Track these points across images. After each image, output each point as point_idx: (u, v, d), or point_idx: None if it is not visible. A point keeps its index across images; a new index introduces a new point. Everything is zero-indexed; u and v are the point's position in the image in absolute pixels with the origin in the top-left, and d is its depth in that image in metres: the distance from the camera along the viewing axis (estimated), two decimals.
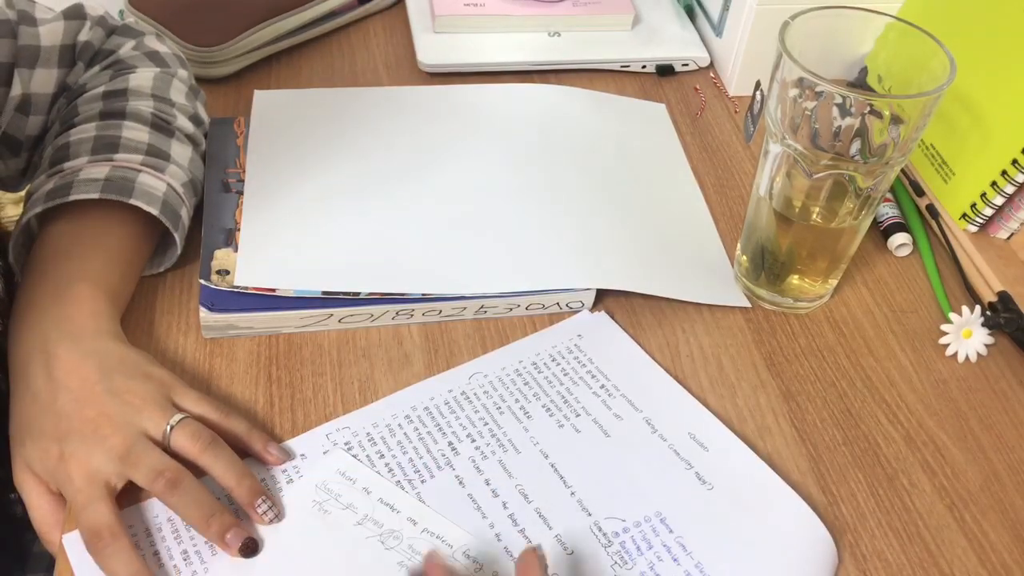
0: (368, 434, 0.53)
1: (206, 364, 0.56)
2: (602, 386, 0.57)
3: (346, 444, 0.53)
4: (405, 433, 0.53)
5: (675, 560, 0.48)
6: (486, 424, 0.54)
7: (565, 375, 0.57)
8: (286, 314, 0.57)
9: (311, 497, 0.50)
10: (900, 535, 0.51)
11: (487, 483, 0.51)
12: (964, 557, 0.51)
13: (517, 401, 0.56)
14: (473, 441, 0.53)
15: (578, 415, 0.55)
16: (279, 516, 0.48)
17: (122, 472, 0.47)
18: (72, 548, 0.47)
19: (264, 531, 0.48)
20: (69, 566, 0.47)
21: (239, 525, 0.47)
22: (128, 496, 0.49)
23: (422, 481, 0.51)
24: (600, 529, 0.49)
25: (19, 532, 0.59)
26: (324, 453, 0.52)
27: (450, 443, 0.53)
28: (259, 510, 0.48)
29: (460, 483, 0.51)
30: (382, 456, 0.52)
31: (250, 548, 0.47)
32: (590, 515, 0.50)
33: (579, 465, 0.52)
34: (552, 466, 0.52)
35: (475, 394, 0.56)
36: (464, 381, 0.56)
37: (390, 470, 0.52)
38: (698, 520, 0.50)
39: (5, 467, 0.50)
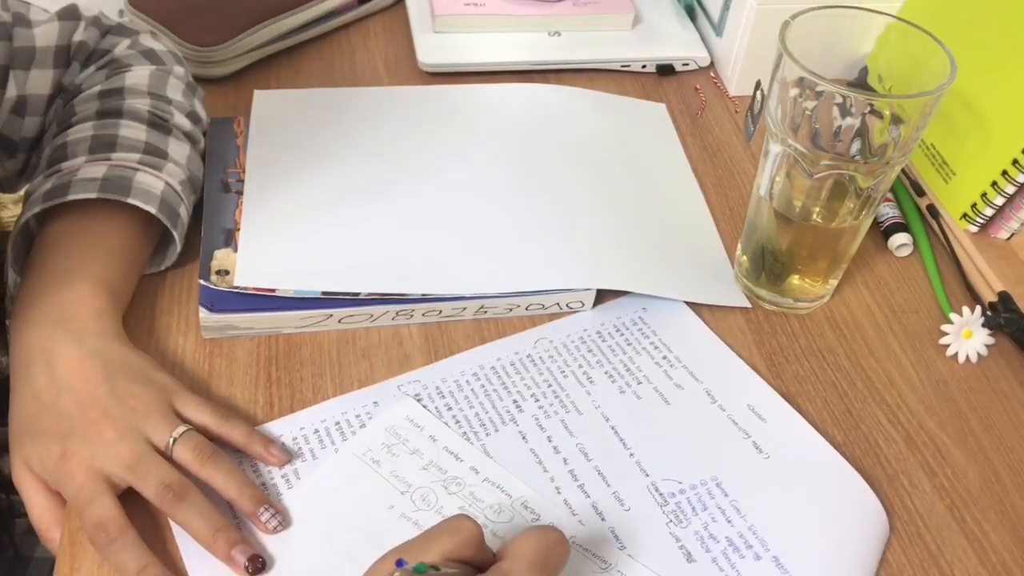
0: (437, 388, 0.56)
1: (206, 364, 0.56)
2: (664, 357, 0.58)
3: (416, 396, 0.55)
4: (472, 389, 0.56)
5: (729, 521, 0.50)
6: (550, 386, 0.56)
7: (628, 345, 0.59)
8: (286, 314, 0.57)
9: (380, 440, 0.52)
10: (900, 535, 0.51)
11: (549, 440, 0.53)
12: (964, 558, 0.51)
13: (581, 367, 0.58)
14: (537, 401, 0.55)
15: (639, 383, 0.57)
16: (284, 524, 0.48)
17: (127, 479, 0.47)
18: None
19: (331, 468, 0.51)
20: (69, 566, 0.47)
21: (246, 541, 0.47)
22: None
23: (487, 434, 0.53)
24: (657, 489, 0.51)
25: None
26: (395, 400, 0.55)
27: (515, 401, 0.55)
28: (262, 519, 0.48)
29: (523, 438, 0.53)
30: (449, 408, 0.55)
31: (257, 565, 0.46)
32: (648, 476, 0.52)
33: (639, 429, 0.54)
34: (612, 428, 0.54)
35: (540, 358, 0.58)
36: (530, 345, 0.58)
37: (457, 422, 0.54)
38: (753, 486, 0.52)
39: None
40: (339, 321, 0.58)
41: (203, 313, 0.56)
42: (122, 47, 0.64)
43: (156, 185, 0.57)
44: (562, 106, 0.76)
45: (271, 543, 0.48)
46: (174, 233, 0.57)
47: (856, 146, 0.53)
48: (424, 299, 0.59)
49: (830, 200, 0.56)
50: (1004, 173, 0.61)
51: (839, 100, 0.51)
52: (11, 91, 0.59)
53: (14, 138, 0.61)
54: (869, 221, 0.59)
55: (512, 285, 0.59)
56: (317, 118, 0.71)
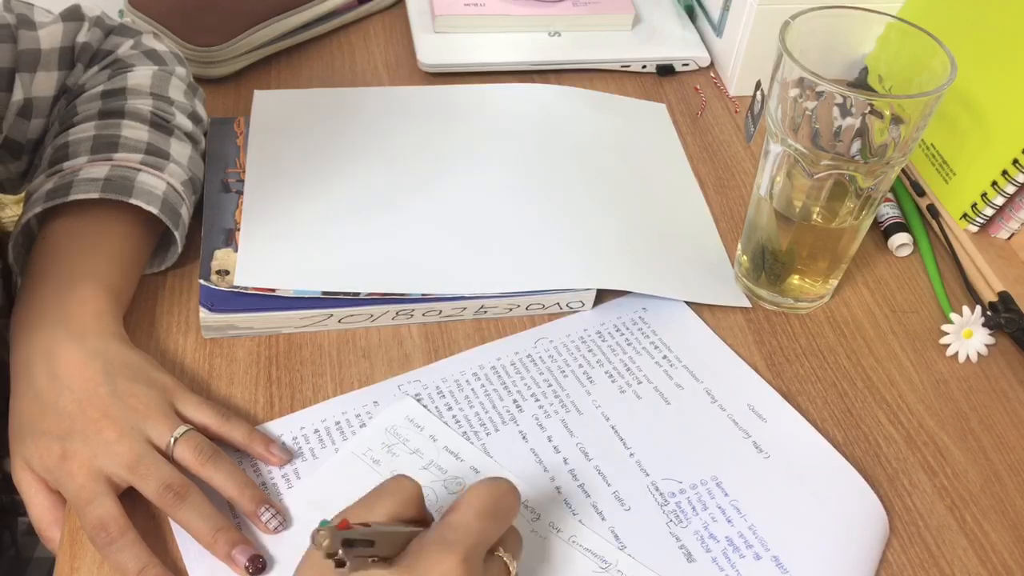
0: (437, 388, 0.56)
1: (206, 364, 0.56)
2: (664, 357, 0.58)
3: (416, 396, 0.55)
4: (472, 389, 0.56)
5: (729, 521, 0.50)
6: (550, 386, 0.56)
7: (628, 344, 0.59)
8: (286, 314, 0.57)
9: (380, 440, 0.52)
10: (900, 535, 0.51)
11: (549, 440, 0.54)
12: (965, 558, 0.51)
13: (581, 366, 0.58)
14: (537, 400, 0.56)
15: (640, 382, 0.57)
16: (284, 524, 0.48)
17: (128, 479, 0.47)
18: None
19: (332, 468, 0.51)
20: (69, 566, 0.47)
21: (246, 541, 0.47)
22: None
23: (487, 434, 0.54)
24: (657, 489, 0.51)
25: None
26: (395, 400, 0.55)
27: (515, 401, 0.55)
28: (263, 519, 0.48)
29: (523, 438, 0.53)
30: (450, 408, 0.55)
31: (257, 565, 0.46)
32: (648, 475, 0.52)
33: (639, 429, 0.54)
34: (612, 428, 0.54)
35: (540, 358, 0.58)
36: (530, 345, 0.59)
37: (457, 422, 0.54)
38: (753, 486, 0.52)
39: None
40: (339, 321, 0.58)
41: (203, 313, 0.56)
42: (125, 48, 0.64)
43: (158, 185, 0.57)
44: (562, 106, 0.76)
45: (271, 543, 0.48)
46: (175, 233, 0.57)
47: (856, 146, 0.53)
48: (424, 299, 0.59)
49: (830, 200, 0.56)
50: (1004, 173, 0.61)
51: (839, 100, 0.52)
52: (17, 94, 0.59)
53: (20, 140, 0.61)
54: (869, 221, 0.59)
55: (512, 285, 0.59)
56: (317, 118, 0.71)
